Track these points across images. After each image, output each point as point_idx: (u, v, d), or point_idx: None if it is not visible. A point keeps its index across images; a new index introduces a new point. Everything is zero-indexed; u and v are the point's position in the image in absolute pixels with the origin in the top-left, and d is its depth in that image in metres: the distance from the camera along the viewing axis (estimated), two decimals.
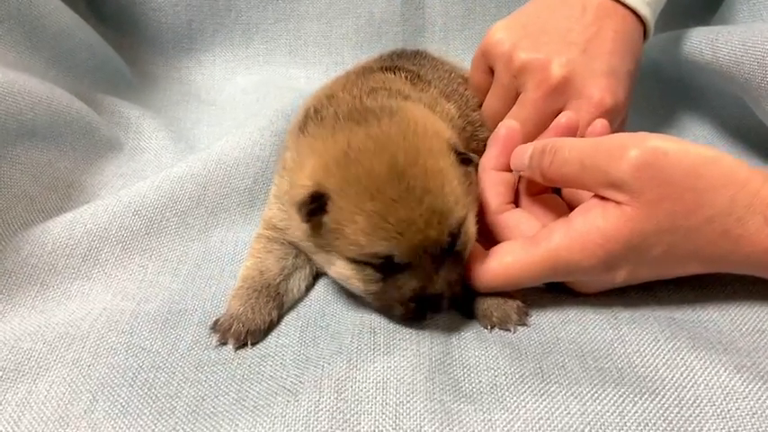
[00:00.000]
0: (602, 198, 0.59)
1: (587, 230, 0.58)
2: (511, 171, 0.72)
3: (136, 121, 1.02)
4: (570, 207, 0.69)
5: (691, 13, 1.11)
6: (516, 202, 0.72)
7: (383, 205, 0.56)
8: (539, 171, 0.64)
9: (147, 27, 1.24)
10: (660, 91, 1.08)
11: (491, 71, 0.83)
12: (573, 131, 0.71)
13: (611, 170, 0.56)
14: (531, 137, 0.77)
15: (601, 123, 0.70)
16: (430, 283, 0.59)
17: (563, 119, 0.71)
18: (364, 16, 1.23)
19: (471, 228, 0.63)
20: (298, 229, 0.64)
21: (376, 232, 0.56)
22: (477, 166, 0.67)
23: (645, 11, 0.79)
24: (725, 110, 0.98)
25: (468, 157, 0.63)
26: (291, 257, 0.71)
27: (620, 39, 0.77)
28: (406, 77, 0.78)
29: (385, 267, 0.59)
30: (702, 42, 0.89)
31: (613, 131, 0.79)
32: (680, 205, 0.55)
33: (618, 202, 0.57)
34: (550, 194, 0.72)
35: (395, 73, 0.78)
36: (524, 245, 0.62)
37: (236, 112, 1.14)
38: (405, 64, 0.83)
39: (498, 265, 0.62)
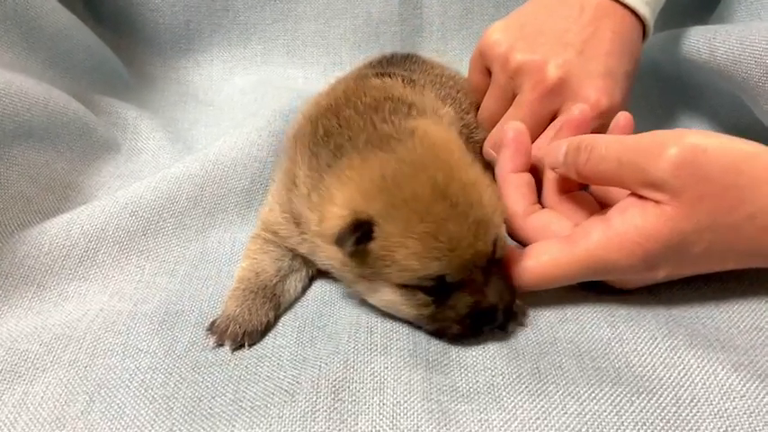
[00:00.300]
0: (640, 196, 0.58)
1: (626, 230, 0.57)
2: (528, 171, 0.72)
3: (133, 122, 1.02)
4: (600, 203, 0.69)
5: (689, 13, 1.11)
6: (540, 202, 0.72)
7: (434, 225, 0.55)
8: (574, 168, 0.63)
9: (144, 28, 1.24)
10: (659, 90, 1.08)
11: (488, 72, 0.83)
12: (587, 124, 0.70)
13: (650, 169, 0.55)
14: None
15: (624, 117, 0.70)
16: (483, 296, 0.58)
17: (576, 111, 0.71)
18: (362, 16, 1.23)
19: (503, 231, 0.63)
20: (331, 259, 0.63)
21: (429, 253, 0.56)
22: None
23: (644, 10, 0.79)
24: (723, 108, 0.98)
25: (492, 163, 0.63)
26: (288, 259, 0.71)
27: (617, 39, 0.77)
28: (403, 81, 0.78)
29: (436, 289, 0.59)
30: (700, 41, 0.88)
31: (609, 133, 0.79)
32: (721, 202, 0.54)
33: (657, 201, 0.56)
34: (579, 191, 0.71)
35: (391, 77, 0.78)
36: (561, 244, 0.61)
37: (234, 112, 1.15)
38: (397, 70, 0.83)
39: (536, 264, 0.61)
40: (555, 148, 0.66)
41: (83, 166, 0.90)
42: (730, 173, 0.54)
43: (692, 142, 0.54)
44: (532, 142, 0.77)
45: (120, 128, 1.01)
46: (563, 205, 0.69)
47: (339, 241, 0.57)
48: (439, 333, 0.61)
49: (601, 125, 0.75)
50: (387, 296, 0.61)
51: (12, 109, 0.79)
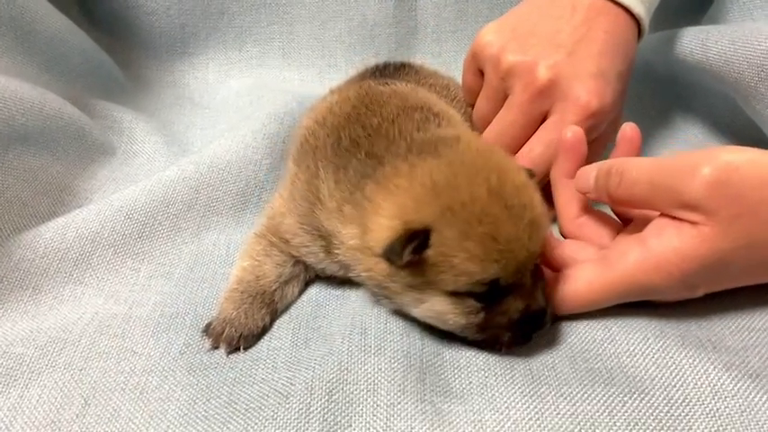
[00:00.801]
0: (674, 217, 0.57)
1: (662, 251, 0.56)
2: None
3: (129, 125, 1.03)
4: (621, 218, 0.69)
5: (681, 13, 1.12)
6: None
7: (493, 226, 0.55)
8: (605, 193, 0.63)
9: (140, 31, 1.25)
10: (652, 90, 1.09)
11: (481, 73, 0.84)
12: (581, 145, 0.70)
13: (684, 190, 0.55)
14: (518, 139, 0.78)
15: (630, 128, 0.70)
16: (534, 299, 0.58)
17: (568, 134, 0.70)
18: (357, 18, 1.23)
19: None
20: (371, 271, 0.61)
21: (488, 255, 0.55)
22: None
23: (638, 8, 0.79)
24: (716, 109, 0.99)
25: (532, 172, 0.63)
26: (289, 265, 0.71)
27: (610, 39, 0.77)
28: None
29: (488, 295, 0.58)
30: (693, 42, 0.89)
31: (604, 133, 0.79)
32: (756, 219, 0.53)
33: (693, 222, 0.55)
34: (595, 211, 0.71)
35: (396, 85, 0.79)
36: (598, 267, 0.61)
37: (230, 114, 1.15)
38: (394, 81, 0.84)
39: (575, 289, 0.61)
40: (584, 173, 0.66)
41: (78, 170, 0.90)
42: (764, 188, 0.53)
43: (725, 161, 0.54)
44: (524, 143, 0.78)
45: (116, 131, 1.01)
46: (582, 231, 0.69)
47: (391, 252, 0.56)
48: (489, 342, 0.60)
49: (594, 126, 0.76)
50: (436, 306, 0.59)
51: (7, 113, 0.79)
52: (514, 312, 0.58)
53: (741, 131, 0.93)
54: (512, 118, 0.78)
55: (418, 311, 0.61)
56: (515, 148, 0.78)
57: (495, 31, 0.81)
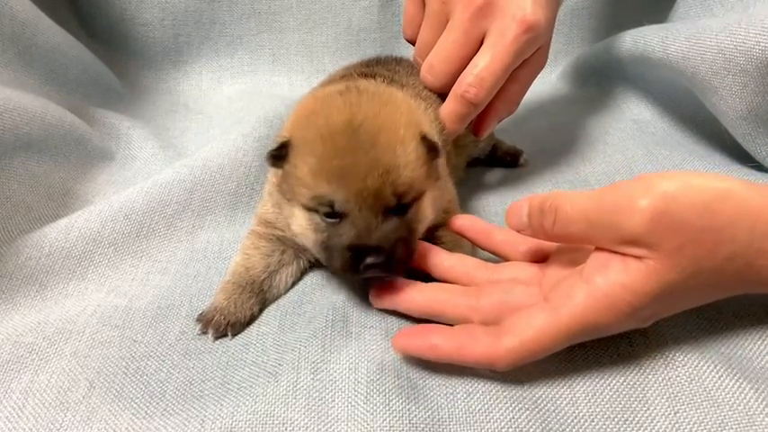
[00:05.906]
0: (615, 252, 0.54)
1: (611, 289, 0.53)
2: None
3: (126, 132, 1.04)
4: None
5: (648, 11, 1.14)
6: None
7: (332, 150, 0.60)
8: (542, 232, 0.59)
9: (135, 42, 1.27)
10: (624, 87, 1.11)
11: (423, 4, 0.86)
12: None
13: (623, 226, 0.52)
14: (461, 59, 0.80)
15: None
16: (367, 234, 0.60)
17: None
18: (343, 24, 1.26)
19: (428, 209, 0.66)
20: (270, 182, 0.69)
21: (321, 173, 0.60)
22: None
23: None
24: (683, 103, 1.01)
25: (435, 146, 0.64)
26: (278, 254, 0.73)
27: None
28: (383, 81, 0.81)
29: (330, 216, 0.62)
30: (655, 40, 0.92)
31: (535, 58, 0.82)
32: (700, 248, 0.51)
33: (637, 257, 0.52)
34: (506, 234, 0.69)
35: (374, 78, 0.81)
36: (542, 313, 0.56)
37: (223, 119, 1.17)
38: (381, 70, 0.87)
39: (523, 339, 0.55)
40: (516, 210, 0.62)
41: (79, 175, 0.92)
42: (704, 216, 0.50)
43: (662, 191, 0.51)
44: (466, 64, 0.80)
45: (114, 137, 1.02)
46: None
47: (267, 156, 0.64)
48: (327, 261, 0.64)
49: (530, 41, 0.78)
50: (298, 220, 0.65)
51: (12, 123, 0.81)
52: (346, 239, 0.60)
53: (704, 123, 0.95)
54: (453, 38, 0.80)
55: (294, 227, 0.66)
56: (458, 70, 0.80)
57: None
